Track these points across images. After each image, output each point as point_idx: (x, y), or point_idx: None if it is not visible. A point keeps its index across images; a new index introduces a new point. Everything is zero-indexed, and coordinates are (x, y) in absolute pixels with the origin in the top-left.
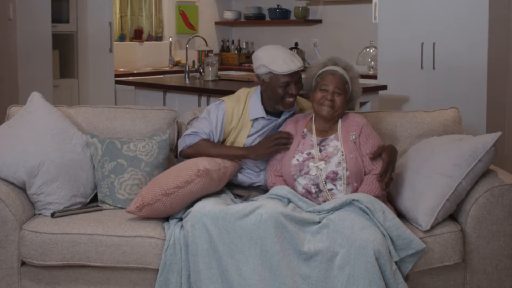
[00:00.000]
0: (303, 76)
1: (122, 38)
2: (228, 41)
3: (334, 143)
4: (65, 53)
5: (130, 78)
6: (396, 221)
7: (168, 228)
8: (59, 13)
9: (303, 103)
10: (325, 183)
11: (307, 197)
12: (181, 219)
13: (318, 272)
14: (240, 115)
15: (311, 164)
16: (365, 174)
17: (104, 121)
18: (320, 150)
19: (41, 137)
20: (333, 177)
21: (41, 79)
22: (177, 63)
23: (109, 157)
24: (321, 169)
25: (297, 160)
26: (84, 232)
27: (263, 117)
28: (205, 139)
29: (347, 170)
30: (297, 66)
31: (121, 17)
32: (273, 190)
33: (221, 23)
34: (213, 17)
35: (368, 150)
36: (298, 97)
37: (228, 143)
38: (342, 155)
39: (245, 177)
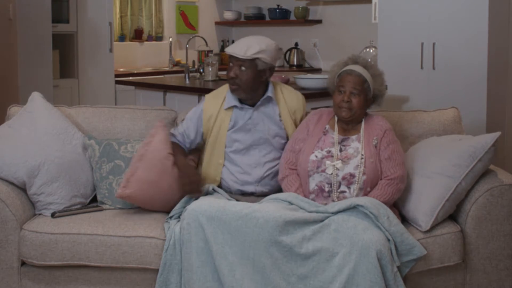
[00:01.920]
0: (327, 76)
1: (122, 38)
2: (228, 41)
3: (355, 145)
4: (65, 53)
5: (130, 78)
6: (400, 227)
7: (168, 229)
8: (59, 13)
9: (284, 90)
10: (340, 184)
11: (317, 194)
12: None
13: (315, 272)
14: (218, 108)
15: (328, 162)
16: (380, 179)
17: (104, 121)
18: (341, 150)
19: (41, 137)
20: (349, 179)
21: (41, 79)
22: (177, 63)
23: (106, 159)
24: (338, 169)
25: (316, 156)
26: (84, 232)
27: (236, 107)
28: (175, 143)
29: (364, 174)
30: (238, 50)
31: (121, 17)
32: (277, 196)
33: (221, 23)
34: (213, 17)
35: (387, 155)
36: (280, 84)
37: (211, 138)
38: (362, 158)
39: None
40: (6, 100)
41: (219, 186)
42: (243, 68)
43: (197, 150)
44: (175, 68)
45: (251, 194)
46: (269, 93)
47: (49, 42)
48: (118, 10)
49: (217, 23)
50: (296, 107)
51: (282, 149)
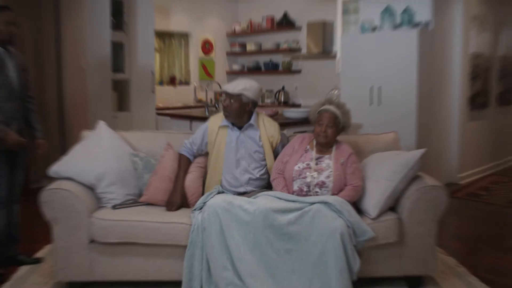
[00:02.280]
0: (305, 110)
1: (161, 83)
2: None
3: (327, 161)
4: (121, 93)
5: (167, 111)
6: (357, 218)
7: (193, 217)
8: (117, 65)
9: (266, 120)
10: (315, 187)
11: (298, 194)
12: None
13: (298, 247)
14: (218, 126)
15: (307, 172)
16: (345, 185)
17: (148, 141)
18: (316, 164)
19: (105, 153)
20: (321, 185)
21: (104, 112)
22: (199, 101)
23: (147, 170)
24: (314, 178)
25: (298, 167)
26: (134, 219)
27: (229, 127)
28: (182, 154)
29: (332, 182)
30: (229, 88)
31: (160, 68)
32: (267, 192)
33: (230, 73)
34: (225, 68)
35: (351, 171)
36: (262, 115)
37: (213, 153)
38: (331, 171)
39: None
40: (80, 126)
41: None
42: (232, 100)
43: (204, 157)
44: (198, 104)
45: (244, 193)
46: (252, 121)
47: (110, 86)
48: (158, 63)
49: (227, 72)
50: (273, 133)
51: (262, 161)
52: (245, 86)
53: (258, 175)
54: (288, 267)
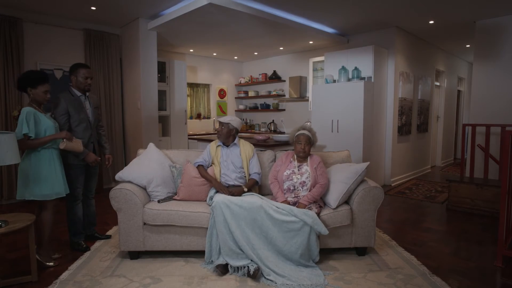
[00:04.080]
0: (288, 135)
1: (191, 117)
2: (242, 119)
3: (305, 168)
4: (164, 124)
5: (194, 136)
6: (318, 220)
7: (210, 209)
8: (161, 105)
9: (244, 143)
10: (298, 185)
11: (288, 191)
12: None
13: (282, 233)
14: (215, 147)
15: (293, 176)
16: (316, 183)
17: (182, 157)
18: (299, 169)
19: (153, 164)
20: (302, 184)
21: (153, 137)
22: (216, 129)
23: (180, 176)
24: (298, 179)
25: (287, 173)
26: (172, 209)
27: (221, 146)
28: (200, 165)
29: (310, 181)
30: (221, 119)
31: (190, 106)
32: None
33: (238, 111)
34: (234, 108)
35: (319, 173)
36: (240, 139)
37: (215, 162)
38: (309, 174)
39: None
40: (136, 146)
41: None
42: (223, 127)
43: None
44: (215, 132)
45: (233, 185)
46: (235, 141)
47: (156, 119)
48: (189, 104)
49: (236, 110)
50: (248, 150)
51: (241, 167)
52: (231, 118)
53: (240, 175)
54: (266, 243)
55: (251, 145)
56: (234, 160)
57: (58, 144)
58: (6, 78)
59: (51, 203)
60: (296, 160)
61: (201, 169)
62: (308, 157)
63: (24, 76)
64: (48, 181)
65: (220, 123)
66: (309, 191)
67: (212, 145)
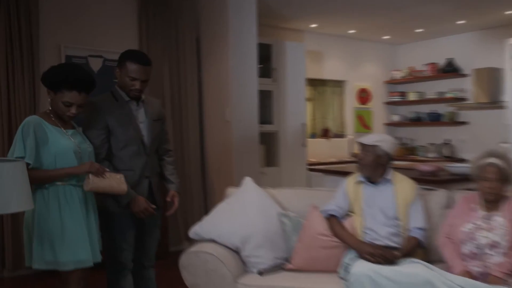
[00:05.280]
0: (470, 165)
1: (313, 135)
2: (396, 137)
3: (498, 219)
4: (270, 147)
5: (319, 166)
6: None
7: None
8: (265, 116)
9: (401, 178)
10: (487, 248)
11: (469, 257)
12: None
13: None
14: (353, 184)
15: (478, 233)
16: None
17: (298, 200)
18: (487, 223)
19: (252, 212)
20: (494, 245)
21: (251, 167)
22: (355, 155)
23: (296, 232)
24: (486, 238)
25: (467, 229)
26: (284, 286)
27: (364, 182)
28: (333, 216)
29: (506, 241)
30: (364, 140)
31: (312, 119)
32: (419, 260)
33: (389, 124)
34: (383, 119)
35: None
36: (395, 171)
37: (354, 209)
38: (504, 229)
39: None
40: (224, 183)
41: None
42: (366, 152)
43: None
44: (353, 158)
45: (383, 247)
46: (387, 175)
47: (257, 138)
48: (310, 113)
49: (385, 124)
50: (407, 191)
51: (395, 219)
52: (380, 138)
53: (394, 230)
54: None
55: (413, 182)
56: (385, 206)
57: (83, 180)
58: (11, 71)
59: (73, 276)
60: (482, 208)
61: (334, 222)
62: (503, 202)
63: (50, 70)
64: (65, 240)
65: (362, 145)
66: (506, 256)
67: (350, 181)
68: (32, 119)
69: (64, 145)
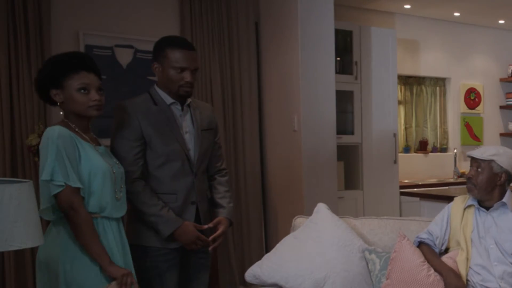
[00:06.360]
0: None
1: (406, 149)
2: None
3: None
4: (350, 164)
5: (415, 189)
6: None
7: None
8: (344, 125)
9: None
10: None
11: None
12: None
13: None
14: (462, 209)
15: None
16: None
17: (389, 233)
18: None
19: (327, 249)
20: None
21: (326, 190)
22: (462, 175)
23: (383, 273)
24: None
25: None
26: None
27: (475, 207)
28: (425, 244)
29: None
30: (476, 153)
31: (405, 128)
32: None
33: (506, 135)
34: (498, 129)
35: None
36: None
37: (459, 241)
38: None
39: None
40: (291, 210)
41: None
42: (479, 169)
43: None
44: (460, 180)
45: None
46: (504, 199)
47: (333, 154)
48: (403, 122)
49: (501, 134)
50: None
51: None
52: (496, 151)
53: None
54: None
55: None
56: (501, 238)
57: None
58: (14, 67)
59: None
60: None
61: (426, 250)
62: None
63: (42, 69)
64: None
65: (474, 160)
66: None
67: (456, 204)
68: (58, 129)
69: (98, 166)
